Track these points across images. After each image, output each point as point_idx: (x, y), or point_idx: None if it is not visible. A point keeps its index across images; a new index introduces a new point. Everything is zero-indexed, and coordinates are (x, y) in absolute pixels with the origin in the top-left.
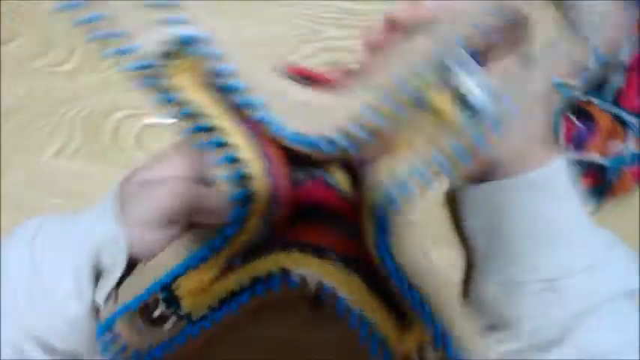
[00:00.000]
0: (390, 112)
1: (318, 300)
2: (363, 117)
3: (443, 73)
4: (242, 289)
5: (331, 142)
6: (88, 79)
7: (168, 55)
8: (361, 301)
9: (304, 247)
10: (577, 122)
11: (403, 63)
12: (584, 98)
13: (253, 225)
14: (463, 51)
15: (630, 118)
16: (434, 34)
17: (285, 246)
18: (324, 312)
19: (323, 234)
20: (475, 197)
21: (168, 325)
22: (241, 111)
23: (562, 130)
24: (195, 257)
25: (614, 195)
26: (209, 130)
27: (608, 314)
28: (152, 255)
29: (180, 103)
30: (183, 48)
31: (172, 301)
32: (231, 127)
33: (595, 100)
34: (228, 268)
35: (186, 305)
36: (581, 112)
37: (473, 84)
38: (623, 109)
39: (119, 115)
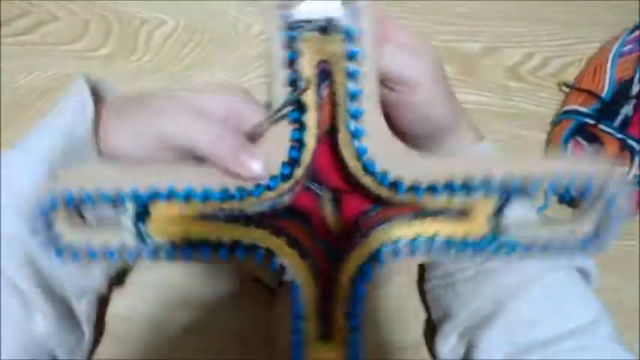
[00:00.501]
0: None
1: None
2: None
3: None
4: (218, 244)
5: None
6: (122, 66)
7: (318, 29)
8: (307, 296)
9: (292, 240)
10: (585, 144)
11: None
12: (594, 124)
13: (282, 190)
14: None
15: (636, 145)
16: None
17: (276, 230)
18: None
19: (305, 236)
20: None
21: (113, 234)
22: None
23: (569, 151)
24: (197, 193)
25: None
26: (297, 103)
27: (542, 286)
28: (131, 158)
29: (296, 73)
30: (333, 26)
31: (141, 217)
32: (312, 115)
33: (604, 127)
34: (208, 216)
35: (152, 228)
36: (590, 136)
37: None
38: (631, 136)
39: None
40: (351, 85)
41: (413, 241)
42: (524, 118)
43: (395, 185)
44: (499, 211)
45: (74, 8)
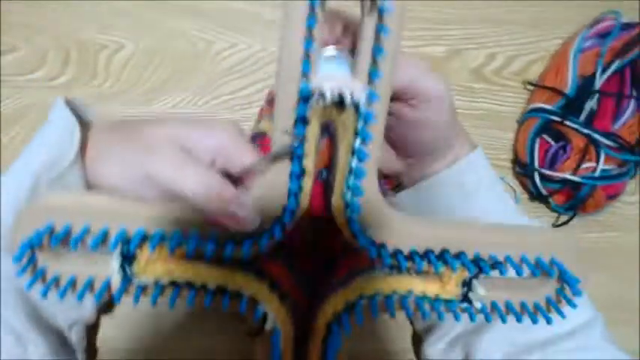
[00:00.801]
0: None
1: (261, 331)
2: None
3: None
4: (202, 287)
5: None
6: (83, 92)
7: (333, 103)
8: (284, 338)
9: (272, 283)
10: (551, 142)
11: None
12: (560, 120)
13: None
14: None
15: (602, 139)
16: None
17: (259, 274)
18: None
19: (285, 275)
20: (405, 198)
21: (98, 268)
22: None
23: (537, 149)
24: (187, 240)
25: (585, 211)
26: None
27: None
28: (117, 190)
29: (300, 137)
30: (345, 104)
31: (128, 257)
32: (312, 167)
33: (570, 123)
34: (195, 257)
35: (138, 267)
36: (556, 133)
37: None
38: (596, 130)
39: None
40: (354, 162)
41: (389, 297)
42: (491, 118)
43: (380, 254)
44: (471, 280)
45: (32, 38)
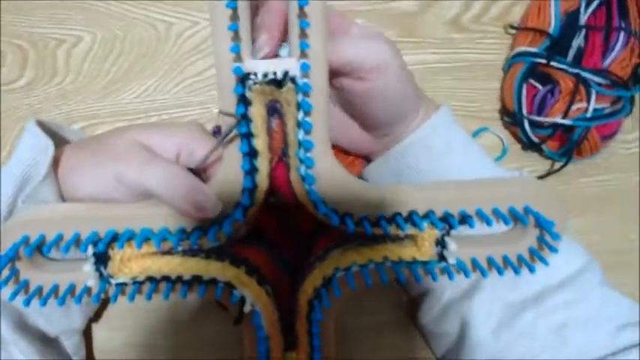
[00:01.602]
0: None
1: (241, 316)
2: None
3: None
4: (178, 279)
5: None
6: (45, 92)
7: (274, 82)
8: (268, 320)
9: (249, 267)
10: (539, 86)
11: None
12: (546, 62)
13: (238, 226)
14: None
15: (593, 77)
16: None
17: (235, 260)
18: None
19: (263, 260)
20: (374, 171)
21: (76, 274)
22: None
23: (524, 95)
24: (154, 234)
25: (581, 155)
26: (247, 136)
27: None
28: (90, 198)
29: (240, 116)
30: (285, 84)
31: (101, 259)
32: (264, 146)
33: (556, 63)
34: (168, 252)
35: (113, 267)
36: (544, 76)
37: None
38: (585, 68)
39: (76, 127)
40: (301, 135)
41: (364, 267)
42: (474, 69)
43: (344, 222)
44: (443, 238)
45: None
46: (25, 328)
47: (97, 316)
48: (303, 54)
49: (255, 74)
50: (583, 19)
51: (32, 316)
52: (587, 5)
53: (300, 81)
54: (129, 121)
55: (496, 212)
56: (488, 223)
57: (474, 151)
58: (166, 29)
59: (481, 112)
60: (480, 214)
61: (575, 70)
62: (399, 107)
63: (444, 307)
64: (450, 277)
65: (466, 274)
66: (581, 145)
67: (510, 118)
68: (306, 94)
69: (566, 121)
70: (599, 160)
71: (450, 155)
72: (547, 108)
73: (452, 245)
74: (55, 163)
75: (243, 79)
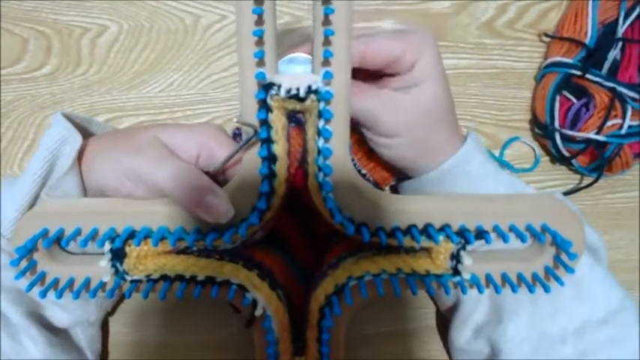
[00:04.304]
0: None
1: (252, 319)
2: None
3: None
4: (192, 278)
5: None
6: (68, 81)
7: (296, 97)
8: (279, 325)
9: (262, 271)
10: (573, 99)
11: None
12: (581, 74)
13: (253, 231)
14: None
15: (628, 92)
16: None
17: (248, 263)
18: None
19: (276, 263)
20: (406, 192)
21: (92, 268)
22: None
23: (557, 108)
24: (170, 233)
25: (611, 171)
26: (267, 141)
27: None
28: (109, 191)
29: (261, 121)
30: (308, 97)
31: (118, 255)
32: (283, 152)
33: (591, 76)
34: (183, 250)
35: (129, 264)
36: (578, 89)
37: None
38: (621, 82)
39: (100, 119)
40: (320, 142)
41: (377, 277)
42: (505, 76)
43: (359, 231)
44: (458, 252)
45: (10, 28)
46: (37, 315)
47: (112, 310)
48: (326, 62)
49: (279, 87)
50: (621, 30)
51: (48, 305)
52: (626, 17)
53: (322, 89)
54: (153, 115)
55: (513, 229)
56: (505, 239)
57: (504, 176)
58: (194, 22)
59: (510, 121)
60: (497, 230)
61: (611, 84)
62: (409, 159)
63: (477, 328)
64: (464, 291)
65: (479, 290)
66: (613, 161)
67: (541, 129)
68: (327, 101)
69: (601, 138)
70: (628, 177)
71: (485, 180)
72: (581, 122)
73: (467, 260)
74: (80, 155)
75: (265, 85)
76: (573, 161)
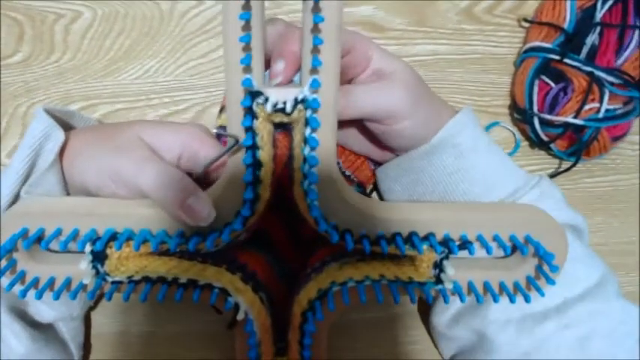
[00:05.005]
0: None
1: (234, 323)
2: None
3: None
4: (174, 281)
5: None
6: (42, 69)
7: (282, 110)
8: (261, 328)
9: (246, 274)
10: (551, 83)
11: None
12: (559, 59)
13: (236, 235)
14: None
15: (606, 76)
16: None
17: (232, 265)
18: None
19: (261, 265)
20: (394, 171)
21: (73, 269)
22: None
23: (536, 92)
24: (153, 236)
25: (589, 155)
26: (252, 148)
27: None
28: (90, 189)
29: (252, 130)
30: (295, 109)
31: (99, 256)
32: (268, 159)
33: (570, 61)
34: (165, 252)
35: (110, 265)
36: (556, 73)
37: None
38: (599, 67)
39: (75, 107)
40: (306, 150)
41: (360, 283)
42: (485, 62)
43: (343, 238)
44: (441, 261)
45: None
46: (20, 311)
47: (95, 304)
48: (314, 70)
49: (267, 99)
50: (599, 15)
51: (31, 301)
52: (604, 2)
53: (310, 97)
54: (129, 103)
55: (496, 239)
56: (488, 251)
57: (496, 152)
58: (170, 7)
59: (490, 107)
60: (481, 240)
61: (589, 68)
62: (420, 137)
63: (457, 313)
64: (446, 300)
65: (461, 298)
66: (591, 145)
67: (520, 114)
68: (314, 110)
69: (578, 121)
70: (606, 161)
71: (475, 153)
72: (559, 107)
73: (449, 270)
74: (61, 151)
75: (252, 93)
76: (552, 145)
